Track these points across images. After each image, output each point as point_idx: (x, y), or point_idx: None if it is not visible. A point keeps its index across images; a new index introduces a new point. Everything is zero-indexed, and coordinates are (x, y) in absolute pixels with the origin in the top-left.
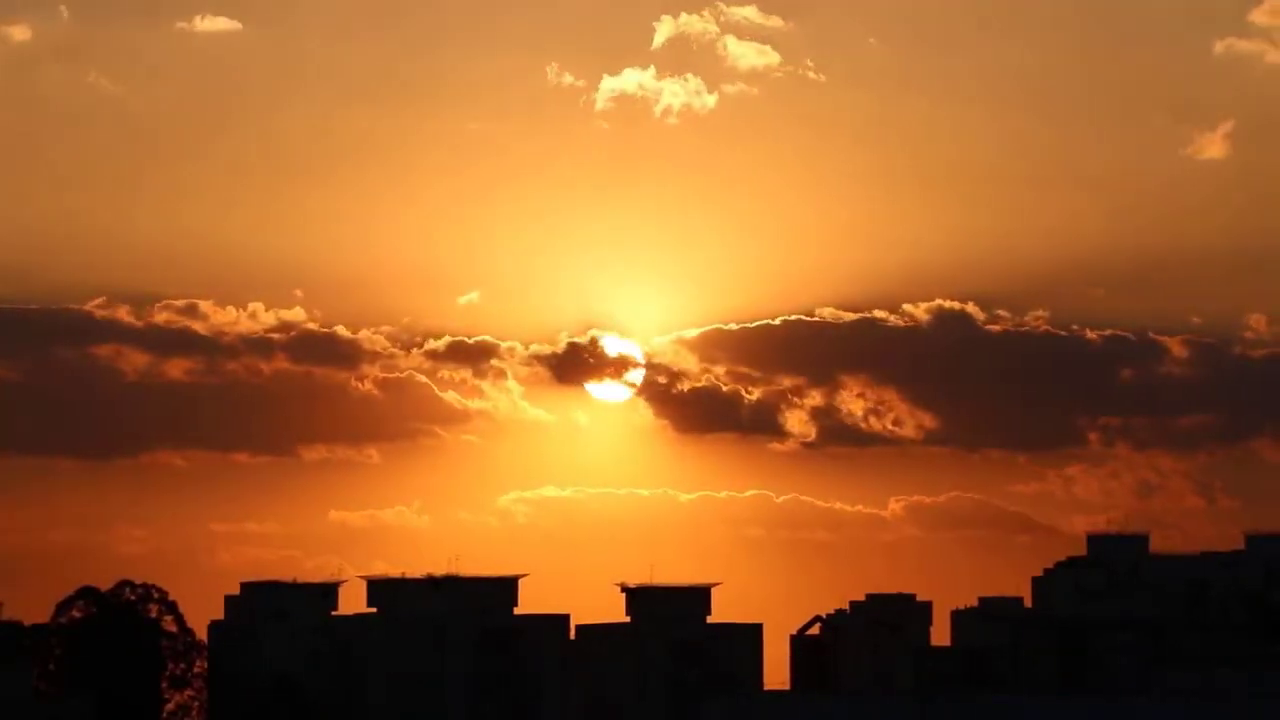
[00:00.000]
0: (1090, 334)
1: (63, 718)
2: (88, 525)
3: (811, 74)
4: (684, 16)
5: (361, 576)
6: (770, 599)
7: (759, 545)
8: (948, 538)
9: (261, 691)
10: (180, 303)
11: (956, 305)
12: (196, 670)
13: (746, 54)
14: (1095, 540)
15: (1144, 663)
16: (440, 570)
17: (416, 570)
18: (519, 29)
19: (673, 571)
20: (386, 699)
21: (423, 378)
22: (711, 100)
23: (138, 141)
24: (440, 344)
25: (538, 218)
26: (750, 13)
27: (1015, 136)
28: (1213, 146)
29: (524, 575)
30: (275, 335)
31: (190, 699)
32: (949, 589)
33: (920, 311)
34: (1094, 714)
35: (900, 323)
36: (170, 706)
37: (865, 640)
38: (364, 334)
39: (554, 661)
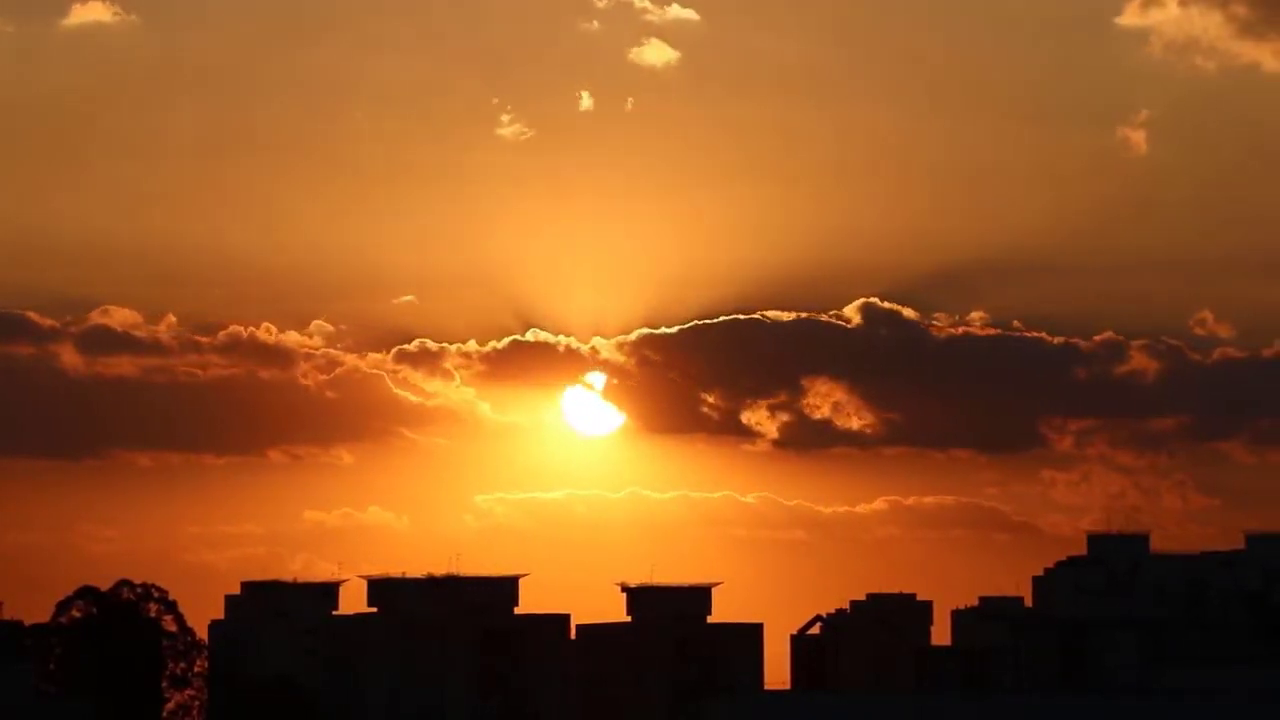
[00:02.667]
0: (1042, 335)
1: (63, 717)
2: (52, 528)
3: (728, 73)
4: (595, 23)
5: (362, 576)
6: (763, 598)
7: (740, 545)
8: (931, 536)
9: (261, 691)
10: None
11: (889, 305)
12: (197, 670)
13: (661, 53)
14: (1095, 540)
15: (1144, 663)
16: (441, 570)
17: (416, 570)
18: (434, 28)
19: (663, 573)
20: (386, 699)
21: (384, 377)
22: (630, 101)
23: (36, 135)
24: (390, 344)
25: (468, 219)
26: (665, 12)
27: (922, 133)
28: (1136, 143)
29: (524, 575)
30: (202, 338)
31: (190, 698)
32: (947, 589)
33: (853, 310)
34: (1094, 714)
35: (835, 320)
36: (170, 706)
37: (865, 640)
38: (293, 335)
39: (554, 661)
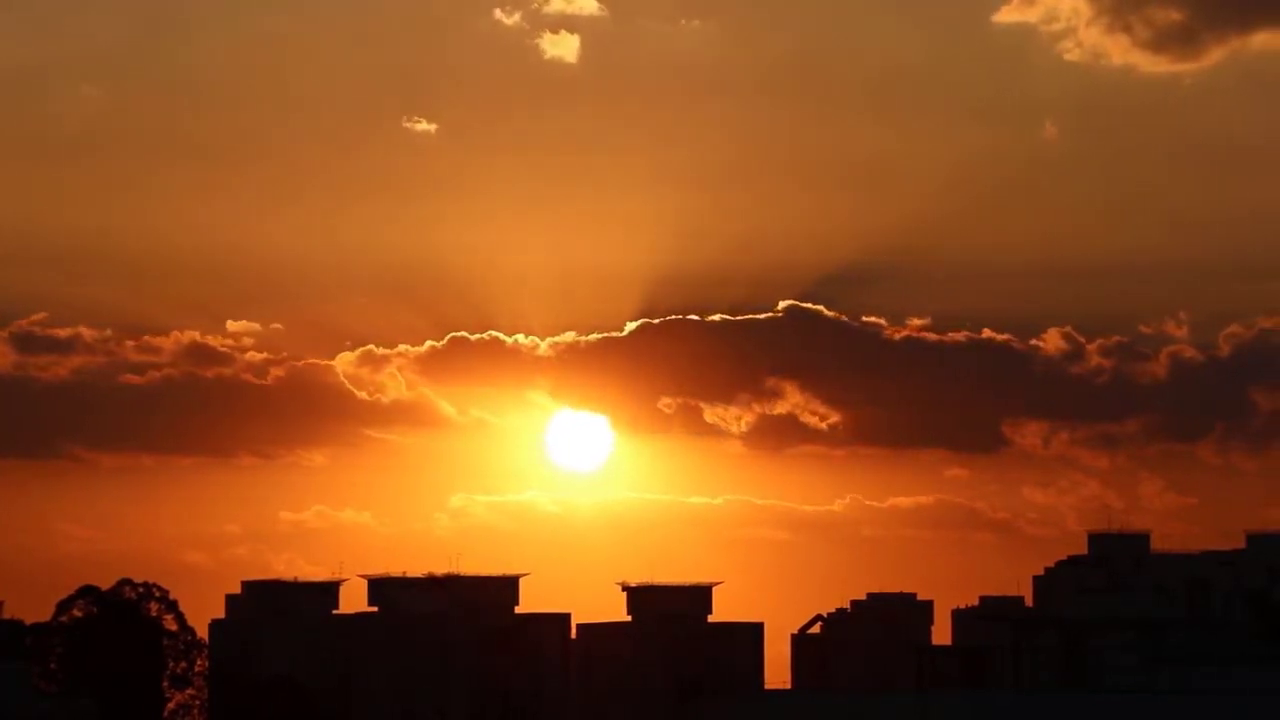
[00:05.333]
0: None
1: (64, 716)
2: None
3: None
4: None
5: (362, 576)
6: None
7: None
8: (909, 536)
9: (261, 691)
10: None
11: (810, 305)
12: (197, 669)
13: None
14: (1096, 539)
15: (1144, 663)
16: (442, 570)
17: (417, 570)
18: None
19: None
20: (386, 699)
21: (339, 377)
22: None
23: None
24: (334, 345)
25: (396, 219)
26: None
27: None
28: (1047, 142)
29: (525, 574)
30: (157, 340)
31: (191, 698)
32: (947, 589)
33: (780, 311)
34: (1094, 714)
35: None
36: (171, 705)
37: (865, 640)
38: (245, 337)
39: (554, 661)
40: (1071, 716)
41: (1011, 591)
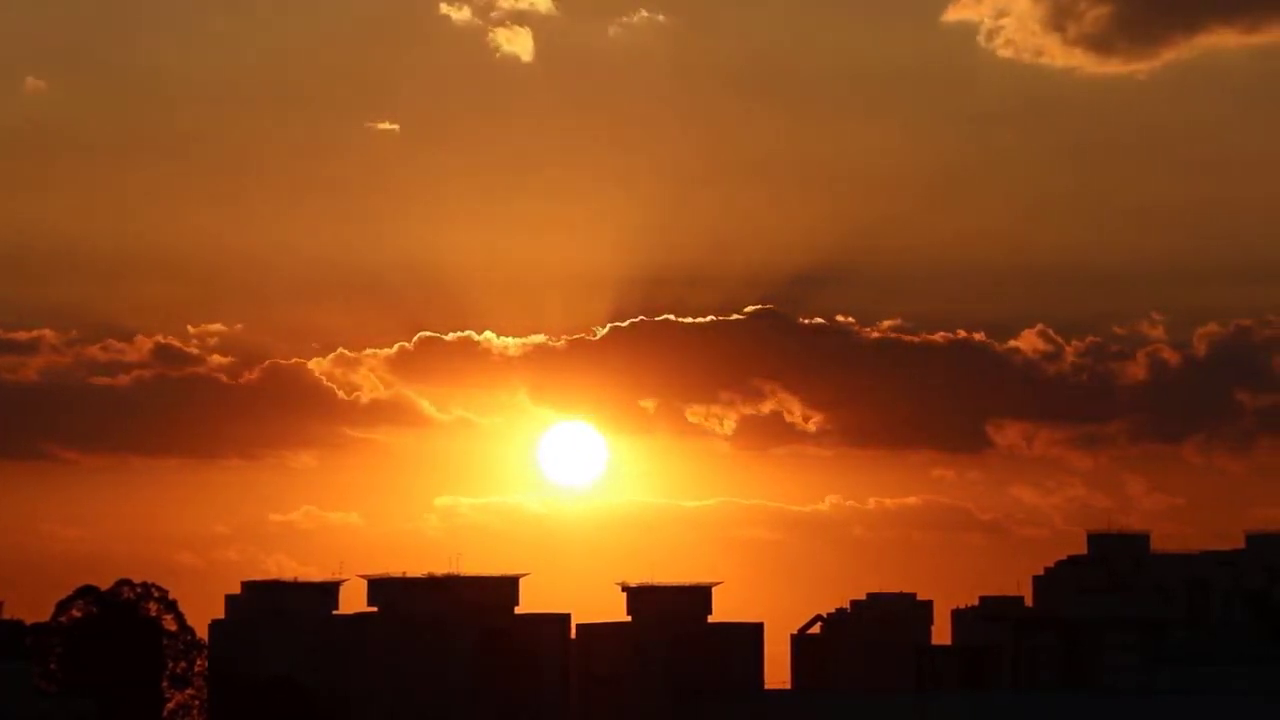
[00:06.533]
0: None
1: (63, 717)
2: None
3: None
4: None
5: (362, 576)
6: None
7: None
8: (903, 537)
9: (261, 691)
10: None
11: (778, 308)
12: (197, 669)
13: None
14: (1096, 539)
15: (1144, 663)
16: (442, 570)
17: (417, 570)
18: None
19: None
20: (386, 699)
21: (317, 378)
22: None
23: None
24: (308, 346)
25: (358, 220)
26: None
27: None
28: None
29: (525, 574)
30: (121, 343)
31: (191, 698)
32: (947, 588)
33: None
34: (1094, 714)
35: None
36: (171, 705)
37: (865, 640)
38: (211, 338)
39: (554, 661)
40: (1071, 716)
41: (1011, 591)
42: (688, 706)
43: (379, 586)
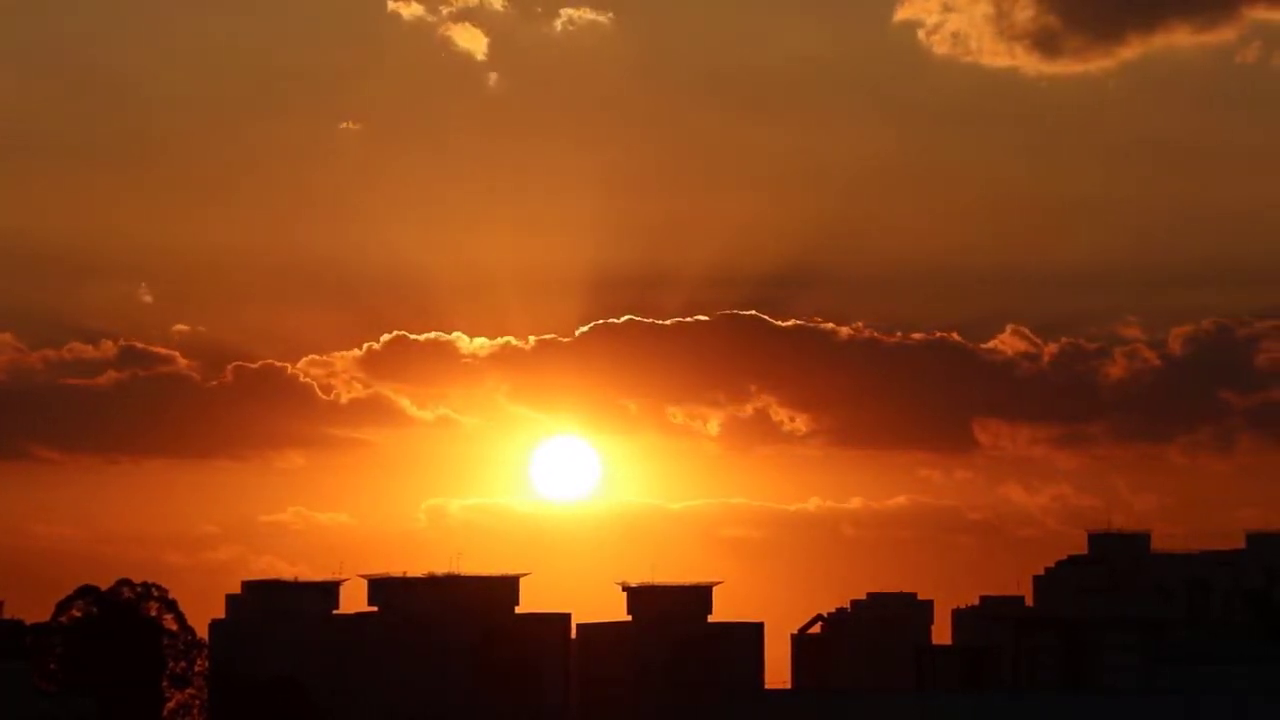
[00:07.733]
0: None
1: (64, 716)
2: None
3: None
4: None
5: (362, 575)
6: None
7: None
8: (899, 537)
9: (261, 691)
10: None
11: (752, 311)
12: (197, 669)
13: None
14: (1096, 539)
15: (1144, 662)
16: (442, 570)
17: (415, 570)
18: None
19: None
20: (386, 699)
21: (302, 380)
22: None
23: None
24: (286, 348)
25: (327, 221)
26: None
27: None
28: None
29: (525, 574)
30: (85, 345)
31: (191, 698)
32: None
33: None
34: (1094, 714)
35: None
36: (171, 705)
37: (865, 640)
38: (177, 339)
39: (554, 661)
40: (1071, 716)
41: (1012, 591)
42: (688, 706)
43: (379, 586)
